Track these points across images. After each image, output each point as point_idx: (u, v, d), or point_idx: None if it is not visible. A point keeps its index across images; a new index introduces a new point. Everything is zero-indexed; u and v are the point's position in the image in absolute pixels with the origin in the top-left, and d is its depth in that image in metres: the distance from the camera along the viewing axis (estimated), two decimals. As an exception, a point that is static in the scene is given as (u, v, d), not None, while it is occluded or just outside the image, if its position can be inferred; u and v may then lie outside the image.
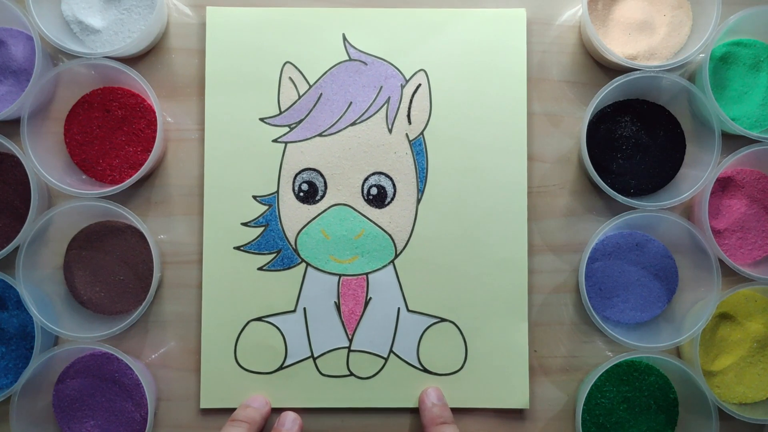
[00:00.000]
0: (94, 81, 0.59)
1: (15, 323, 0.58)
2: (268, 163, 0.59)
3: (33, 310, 0.55)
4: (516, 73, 0.60)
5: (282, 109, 0.60)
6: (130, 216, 0.56)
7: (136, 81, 0.56)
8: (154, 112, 0.58)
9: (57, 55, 0.60)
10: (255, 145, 0.59)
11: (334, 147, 0.60)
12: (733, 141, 0.58)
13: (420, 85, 0.60)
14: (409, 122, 0.60)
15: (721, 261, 0.56)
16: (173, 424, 0.59)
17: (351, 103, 0.59)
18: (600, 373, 0.57)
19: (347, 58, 0.60)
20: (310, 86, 0.60)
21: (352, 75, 0.60)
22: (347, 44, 0.60)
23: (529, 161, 0.60)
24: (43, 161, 0.56)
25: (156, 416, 0.59)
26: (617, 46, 0.60)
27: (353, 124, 0.60)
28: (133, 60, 0.60)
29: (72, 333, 0.56)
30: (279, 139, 0.60)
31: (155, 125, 0.59)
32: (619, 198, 0.56)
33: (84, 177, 0.60)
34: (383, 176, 0.59)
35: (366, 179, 0.59)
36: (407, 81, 0.60)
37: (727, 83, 0.60)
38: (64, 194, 0.56)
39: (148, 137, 0.59)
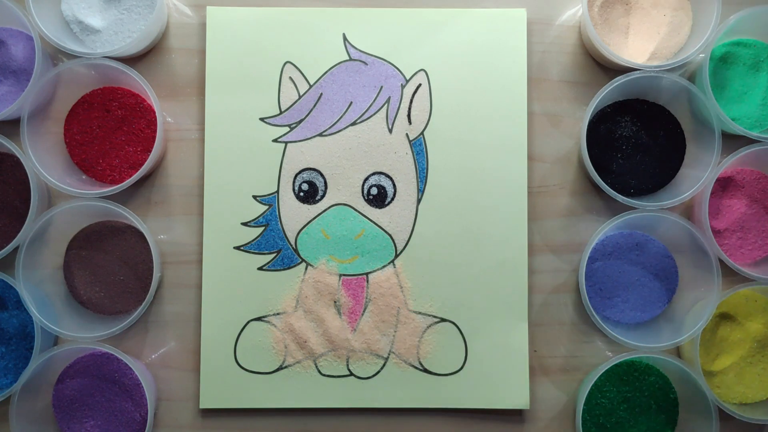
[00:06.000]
0: (94, 81, 0.59)
1: (15, 323, 0.58)
2: (268, 163, 0.59)
3: (33, 310, 0.55)
4: (516, 72, 0.60)
5: (282, 109, 0.60)
6: (130, 216, 0.56)
7: (136, 81, 0.56)
8: (154, 112, 0.58)
9: (57, 55, 0.60)
10: (255, 145, 0.59)
11: (335, 147, 0.60)
12: (733, 141, 0.58)
13: (420, 85, 0.60)
14: (410, 122, 0.60)
15: (721, 261, 0.56)
16: (173, 424, 0.59)
17: (351, 103, 0.59)
18: (600, 373, 0.56)
19: (348, 58, 0.60)
20: (311, 86, 0.60)
21: (353, 75, 0.60)
22: (347, 44, 0.60)
23: (529, 161, 0.60)
24: (43, 161, 0.56)
25: (156, 416, 0.59)
26: (617, 46, 0.60)
27: (353, 124, 0.60)
28: (133, 60, 0.60)
29: (72, 333, 0.56)
30: (279, 139, 0.60)
31: (155, 125, 0.59)
32: (619, 198, 0.56)
33: (84, 177, 0.60)
34: (383, 176, 0.59)
35: (366, 179, 0.59)
36: (407, 81, 0.60)
37: (727, 83, 0.60)
38: (64, 194, 0.56)
39: (148, 137, 0.59)
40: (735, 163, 0.58)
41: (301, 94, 0.60)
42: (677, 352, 0.60)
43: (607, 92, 0.56)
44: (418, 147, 0.60)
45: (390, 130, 0.59)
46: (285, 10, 0.60)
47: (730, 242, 0.60)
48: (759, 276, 0.57)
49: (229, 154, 0.59)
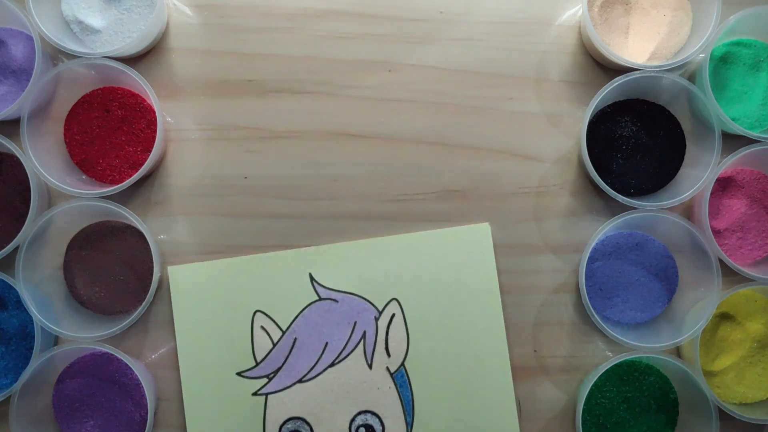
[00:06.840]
0: (94, 81, 0.59)
1: (15, 323, 0.58)
2: (250, 418, 0.58)
3: (33, 310, 0.55)
4: (488, 287, 0.58)
5: (258, 360, 0.58)
6: (130, 216, 0.56)
7: (136, 81, 0.56)
8: (154, 112, 0.58)
9: (57, 55, 0.60)
10: (235, 401, 0.58)
11: (316, 391, 0.58)
12: (733, 141, 0.58)
13: (394, 315, 0.58)
14: (388, 355, 0.58)
15: (721, 261, 0.56)
16: (173, 424, 0.59)
17: (327, 343, 0.58)
18: (600, 373, 0.56)
19: (317, 297, 0.59)
20: (284, 332, 0.58)
21: (324, 314, 0.58)
22: (315, 284, 0.59)
23: (529, 161, 0.60)
24: (43, 161, 0.56)
25: (156, 416, 0.59)
26: (617, 46, 0.60)
27: (332, 365, 0.58)
28: (133, 60, 0.60)
29: (72, 333, 0.56)
30: (259, 392, 0.58)
31: (155, 125, 0.59)
32: (619, 198, 0.56)
33: (84, 177, 0.60)
34: (370, 414, 0.58)
35: (353, 420, 0.58)
36: (380, 313, 0.58)
37: (727, 83, 0.60)
38: (64, 194, 0.56)
39: (148, 137, 0.59)
40: (735, 163, 0.58)
41: (274, 342, 0.58)
42: (677, 352, 0.60)
43: (607, 92, 0.56)
44: (401, 379, 0.58)
45: (370, 366, 0.58)
46: (247, 259, 0.59)
47: (730, 242, 0.60)
48: (759, 276, 0.57)
49: (210, 413, 0.58)
